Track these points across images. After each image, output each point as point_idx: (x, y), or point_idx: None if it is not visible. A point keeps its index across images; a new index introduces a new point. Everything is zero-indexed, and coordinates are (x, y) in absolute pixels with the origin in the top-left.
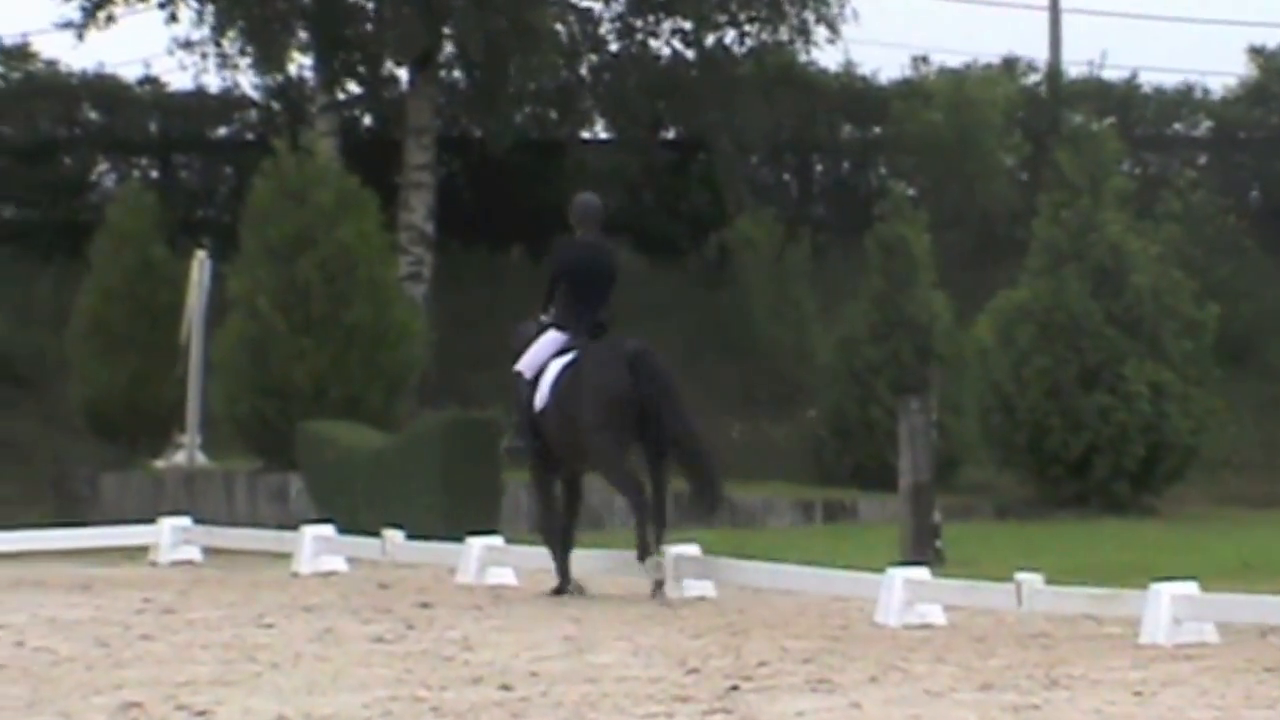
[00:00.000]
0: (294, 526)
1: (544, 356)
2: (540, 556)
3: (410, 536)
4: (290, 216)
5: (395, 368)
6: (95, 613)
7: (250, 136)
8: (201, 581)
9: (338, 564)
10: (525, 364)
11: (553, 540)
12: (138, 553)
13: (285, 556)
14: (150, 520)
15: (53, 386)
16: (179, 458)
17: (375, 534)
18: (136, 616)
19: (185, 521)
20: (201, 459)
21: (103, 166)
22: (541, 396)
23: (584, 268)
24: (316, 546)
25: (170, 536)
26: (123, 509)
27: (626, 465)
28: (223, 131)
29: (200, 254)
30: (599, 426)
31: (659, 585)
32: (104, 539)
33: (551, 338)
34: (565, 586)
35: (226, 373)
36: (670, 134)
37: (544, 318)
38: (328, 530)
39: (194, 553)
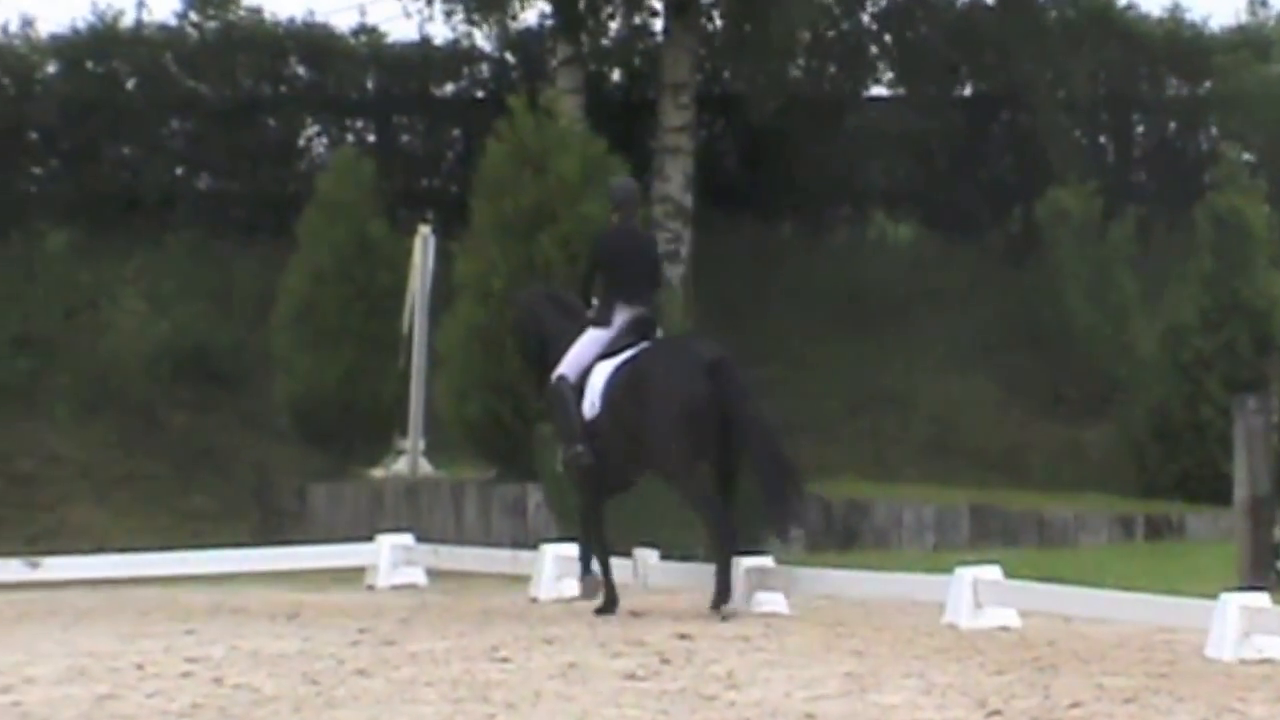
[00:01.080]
0: (532, 545)
1: (587, 358)
2: (819, 580)
3: (665, 557)
4: (527, 187)
5: None
6: (304, 645)
7: (481, 94)
8: (426, 609)
9: None
10: (568, 366)
11: (604, 553)
12: (352, 575)
13: (523, 579)
14: (367, 538)
15: (255, 384)
16: (399, 466)
17: (625, 554)
18: (351, 649)
19: (407, 539)
20: (425, 467)
21: (312, 130)
22: (591, 404)
23: (625, 259)
24: (559, 568)
25: (390, 557)
26: (335, 525)
27: (707, 484)
28: (450, 89)
29: (424, 230)
30: (674, 439)
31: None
32: (313, 559)
33: (593, 336)
34: (613, 604)
35: (454, 367)
36: (967, 90)
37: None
38: (571, 550)
39: (417, 575)
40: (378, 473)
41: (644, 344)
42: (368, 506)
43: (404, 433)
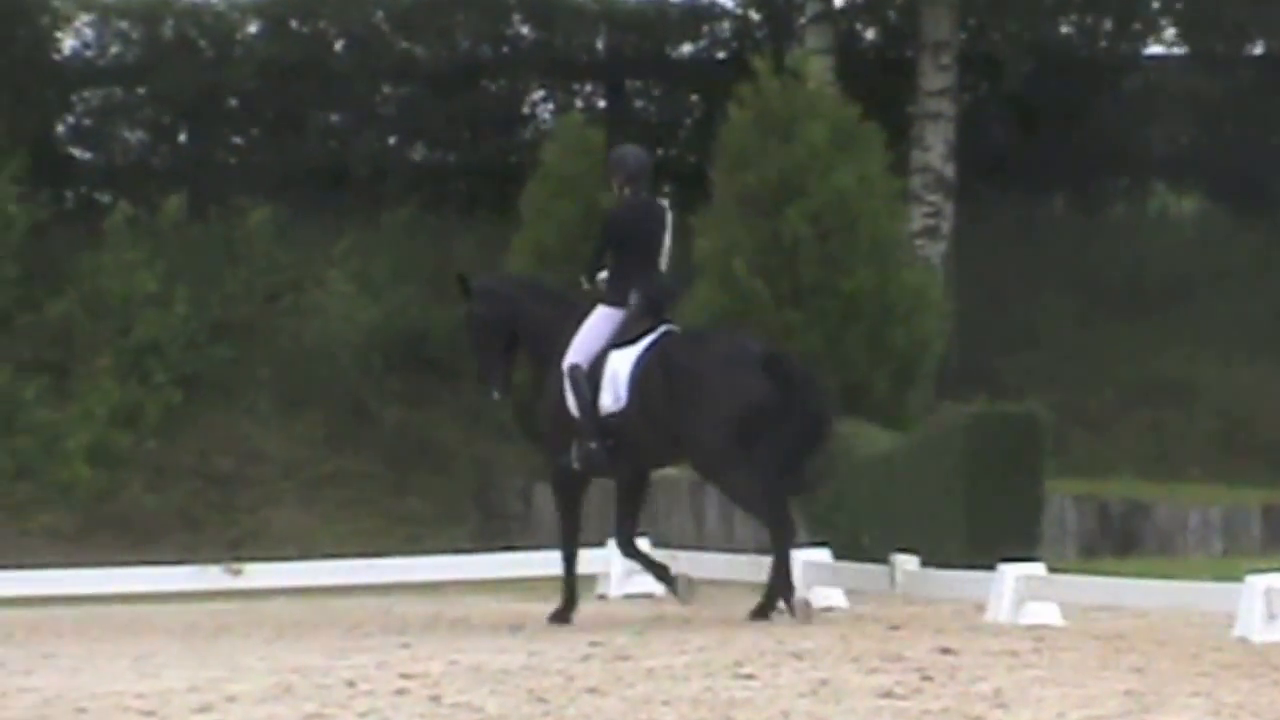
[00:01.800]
0: None
1: (599, 343)
2: (1095, 589)
3: (926, 563)
4: (773, 157)
5: (907, 348)
6: (529, 660)
7: (722, 55)
8: (663, 620)
9: (835, 598)
10: (578, 353)
11: (573, 555)
12: (582, 584)
13: None
14: (598, 543)
15: (474, 375)
16: None
17: (882, 560)
18: (581, 664)
19: (642, 544)
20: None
21: (537, 95)
22: (615, 395)
23: (640, 235)
24: (807, 575)
25: (623, 563)
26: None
27: (757, 482)
28: (688, 49)
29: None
30: (726, 440)
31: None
32: (539, 566)
33: (604, 318)
34: (569, 610)
35: None
36: (1258, 48)
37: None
38: (822, 555)
39: (652, 584)
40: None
41: (665, 329)
42: (599, 508)
43: None
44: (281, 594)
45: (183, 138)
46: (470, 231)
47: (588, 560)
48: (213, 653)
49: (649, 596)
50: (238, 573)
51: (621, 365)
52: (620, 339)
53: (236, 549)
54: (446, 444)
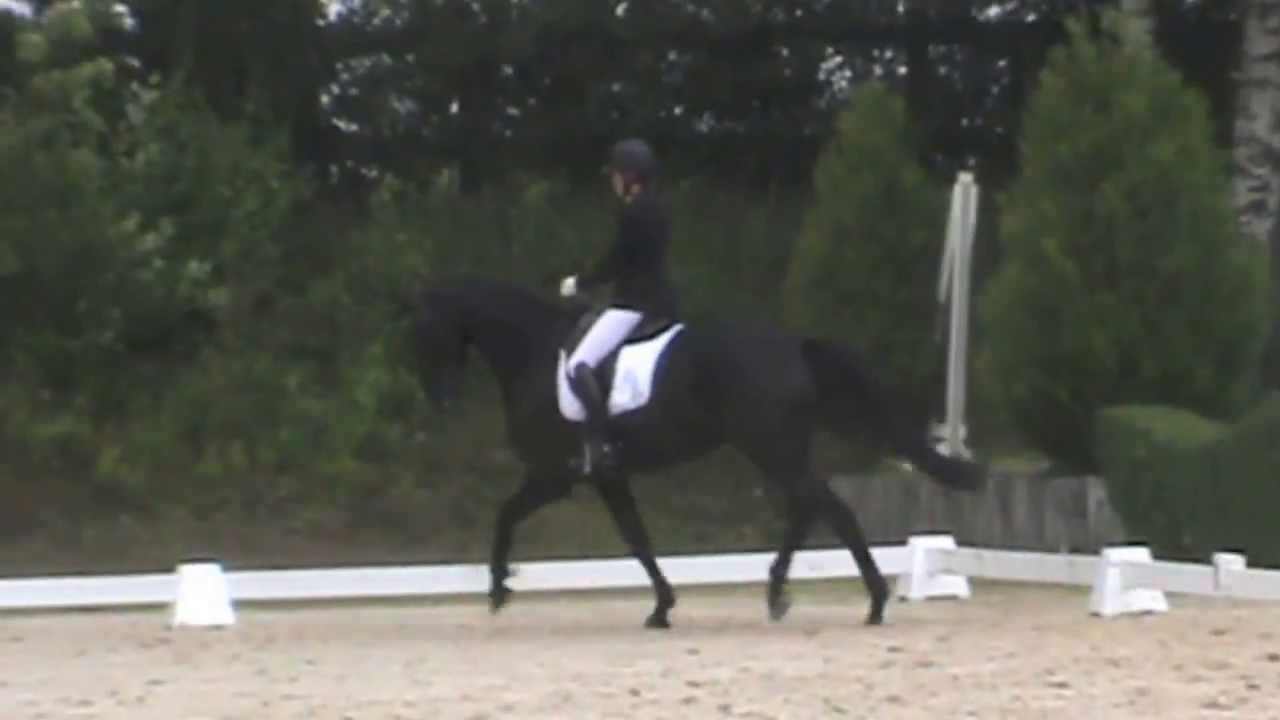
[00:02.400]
0: (1093, 550)
1: (611, 343)
2: None
3: (1252, 564)
4: (1088, 127)
5: (1231, 333)
6: (825, 666)
7: (1032, 18)
8: (968, 624)
9: (1154, 601)
10: (587, 353)
11: (504, 553)
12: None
13: (1082, 590)
14: (899, 541)
15: None
16: None
17: (1205, 560)
18: (881, 672)
19: (945, 543)
20: (966, 456)
21: (833, 62)
22: (634, 392)
23: (655, 235)
24: (1124, 577)
25: (925, 563)
26: (860, 525)
27: (816, 482)
28: (995, 12)
29: (964, 179)
30: (779, 439)
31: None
32: (835, 566)
33: (619, 320)
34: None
35: (1001, 340)
36: None
37: (569, 286)
38: (1140, 555)
39: (958, 585)
40: (911, 465)
41: (679, 326)
42: (899, 504)
43: (941, 417)
44: (561, 595)
45: (454, 108)
46: (760, 208)
47: (887, 559)
48: (487, 658)
49: (953, 599)
50: (514, 573)
51: (638, 362)
52: (633, 337)
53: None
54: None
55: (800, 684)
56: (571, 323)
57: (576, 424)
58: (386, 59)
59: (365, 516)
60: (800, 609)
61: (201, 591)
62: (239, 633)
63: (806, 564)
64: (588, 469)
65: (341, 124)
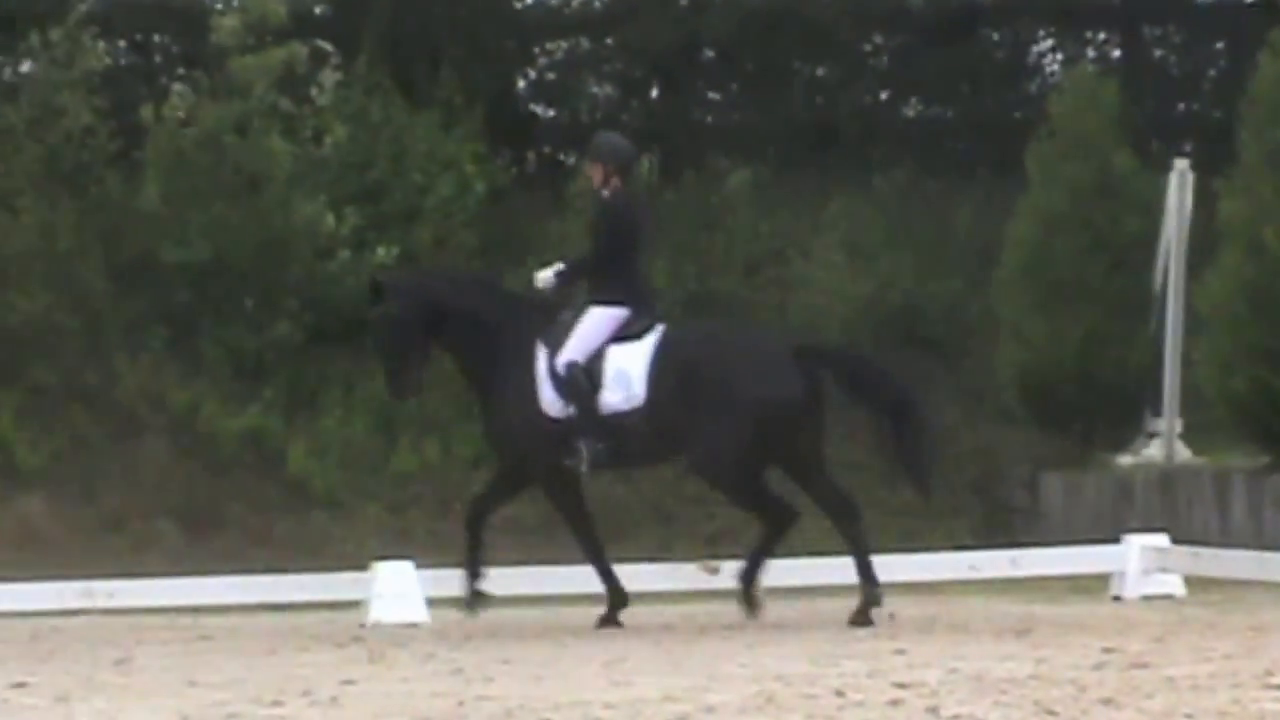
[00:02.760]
0: None
1: (598, 342)
2: None
3: None
4: None
5: None
6: (1036, 668)
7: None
8: (1185, 624)
9: None
10: (577, 351)
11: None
12: (1094, 584)
13: None
14: (1112, 539)
15: (975, 353)
16: (1151, 451)
17: None
18: (1094, 673)
19: (1161, 540)
20: (1183, 453)
21: (1044, 44)
22: (629, 394)
23: (637, 229)
24: None
25: (1139, 561)
26: (1072, 523)
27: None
28: None
29: (1180, 165)
30: (738, 441)
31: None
32: (1047, 564)
33: (605, 316)
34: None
35: (1219, 332)
36: None
37: (547, 279)
38: None
39: (1173, 584)
40: (1125, 460)
41: (662, 326)
42: (1113, 501)
43: (1156, 411)
44: (765, 593)
45: (654, 93)
46: (969, 195)
47: (1101, 557)
48: (689, 658)
49: (1169, 598)
50: (715, 571)
51: (630, 362)
52: (619, 335)
53: (713, 545)
54: (944, 429)
55: (1010, 685)
56: (547, 316)
57: (556, 421)
58: (585, 42)
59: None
60: (1010, 608)
61: (396, 589)
62: (434, 631)
63: (1009, 562)
64: (585, 468)
65: (538, 109)
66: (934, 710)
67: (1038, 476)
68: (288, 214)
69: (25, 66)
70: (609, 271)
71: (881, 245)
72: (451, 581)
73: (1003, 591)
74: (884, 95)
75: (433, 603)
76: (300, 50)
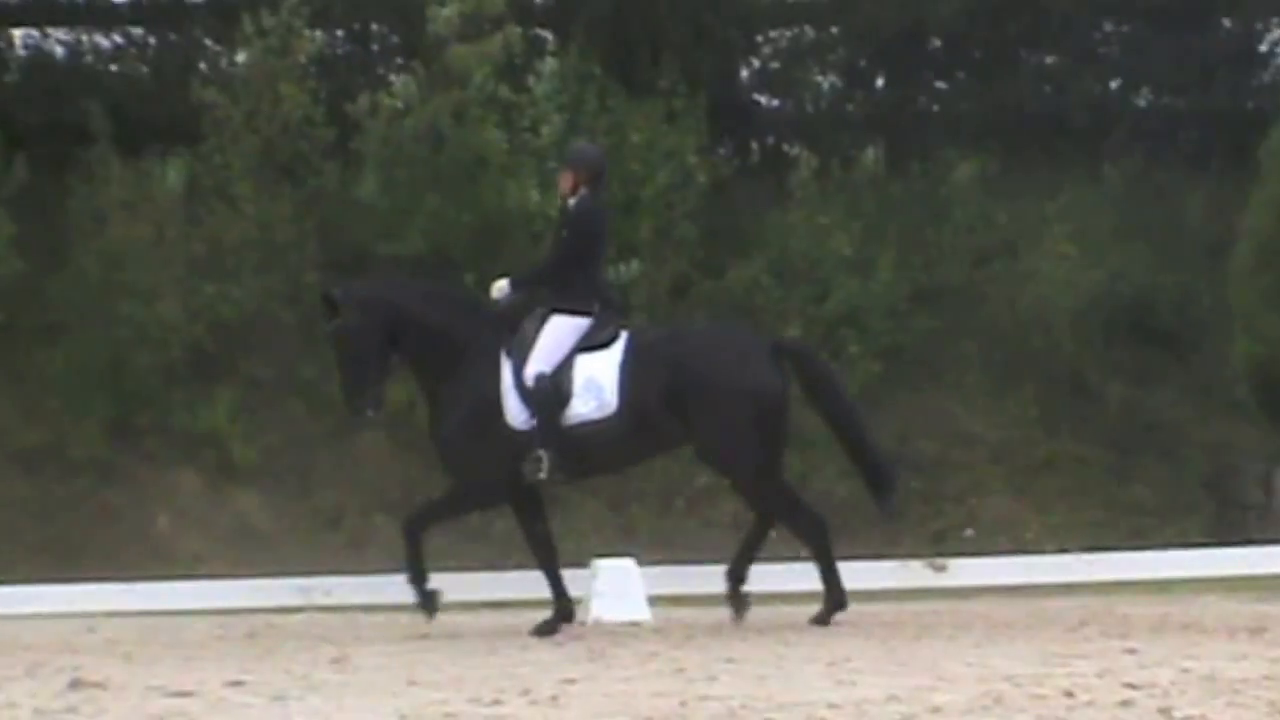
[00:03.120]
0: None
1: (565, 348)
2: None
3: None
4: None
5: None
6: (1271, 668)
7: None
8: None
9: None
10: (544, 362)
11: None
12: None
13: None
14: None
15: (1208, 347)
16: None
17: None
18: None
19: None
20: None
21: (1277, 33)
22: (601, 403)
23: (603, 238)
24: None
25: None
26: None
27: (785, 488)
28: None
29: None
30: (745, 441)
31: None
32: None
33: (570, 326)
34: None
35: None
36: None
37: (503, 289)
38: None
39: None
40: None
41: (627, 333)
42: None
43: None
44: (991, 592)
45: (880, 82)
46: (1202, 186)
47: None
48: (915, 658)
49: None
50: (942, 569)
51: (599, 371)
52: (585, 344)
53: (940, 543)
54: (1175, 425)
55: (1244, 686)
56: (509, 327)
57: (520, 432)
58: (809, 31)
59: None
60: (1244, 606)
61: (617, 587)
62: (655, 629)
63: (1242, 559)
64: (544, 476)
65: (762, 99)
66: (1166, 711)
67: (1272, 472)
68: (504, 204)
69: (241, 56)
70: (573, 279)
71: (1112, 237)
72: (674, 579)
73: (1236, 590)
74: (1114, 84)
75: (655, 600)
76: (517, 35)
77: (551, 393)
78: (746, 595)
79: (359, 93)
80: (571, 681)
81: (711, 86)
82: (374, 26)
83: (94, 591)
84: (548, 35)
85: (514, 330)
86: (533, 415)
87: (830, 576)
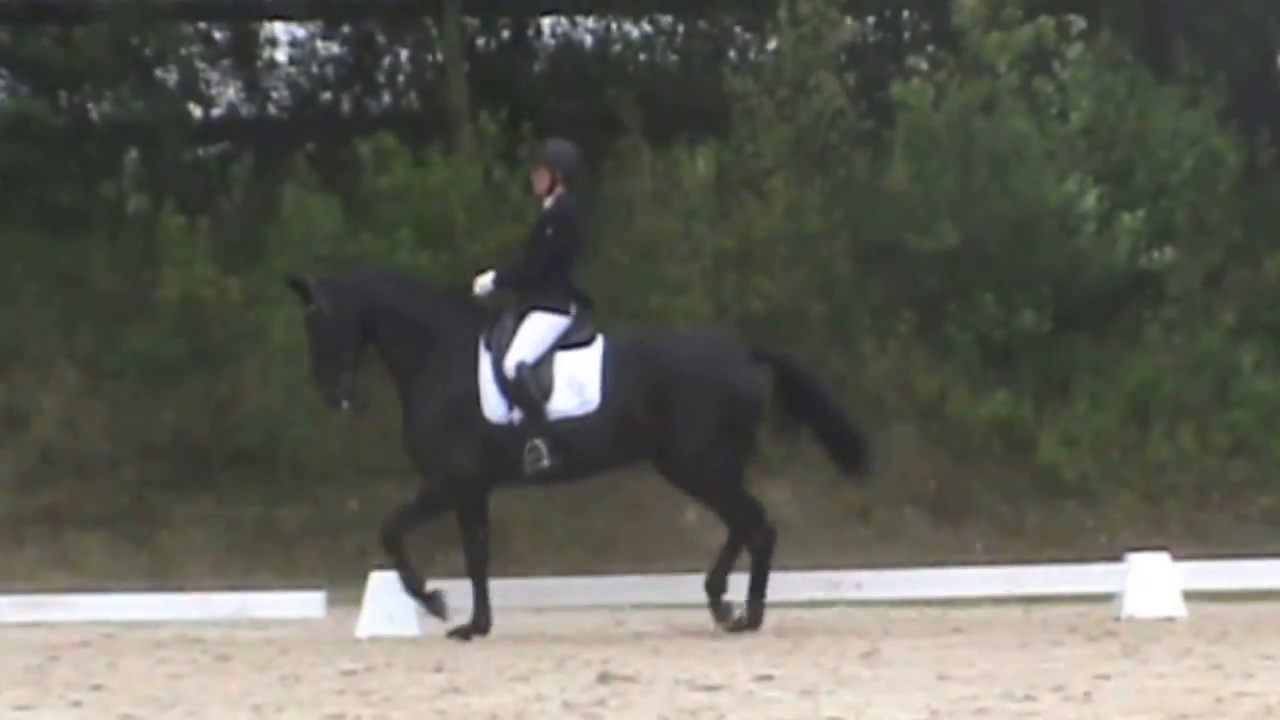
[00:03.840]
0: None
1: (544, 348)
2: None
3: None
4: None
5: None
6: None
7: None
8: None
9: None
10: (526, 352)
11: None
12: None
13: None
14: None
15: None
16: None
17: None
18: None
19: None
20: None
21: None
22: (582, 400)
23: (582, 237)
24: None
25: None
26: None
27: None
28: None
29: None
30: (718, 441)
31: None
32: None
33: (549, 324)
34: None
35: None
36: None
37: (485, 285)
38: None
39: None
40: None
41: (602, 335)
42: None
43: None
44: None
45: None
46: None
47: None
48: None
49: None
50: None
51: (581, 369)
52: (564, 343)
53: None
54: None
55: None
56: (488, 320)
57: (497, 427)
58: None
59: None
60: None
61: (1151, 581)
62: (1190, 625)
63: None
64: (528, 471)
65: None
66: None
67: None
68: (1039, 194)
69: (772, 44)
70: (552, 278)
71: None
72: (1209, 574)
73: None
74: None
75: (1189, 595)
76: (1048, 25)
77: (533, 385)
78: (729, 605)
79: (890, 81)
80: (1105, 677)
81: (1242, 73)
82: (905, 14)
83: (622, 584)
84: (1078, 20)
85: (492, 324)
86: (512, 408)
87: (758, 592)
